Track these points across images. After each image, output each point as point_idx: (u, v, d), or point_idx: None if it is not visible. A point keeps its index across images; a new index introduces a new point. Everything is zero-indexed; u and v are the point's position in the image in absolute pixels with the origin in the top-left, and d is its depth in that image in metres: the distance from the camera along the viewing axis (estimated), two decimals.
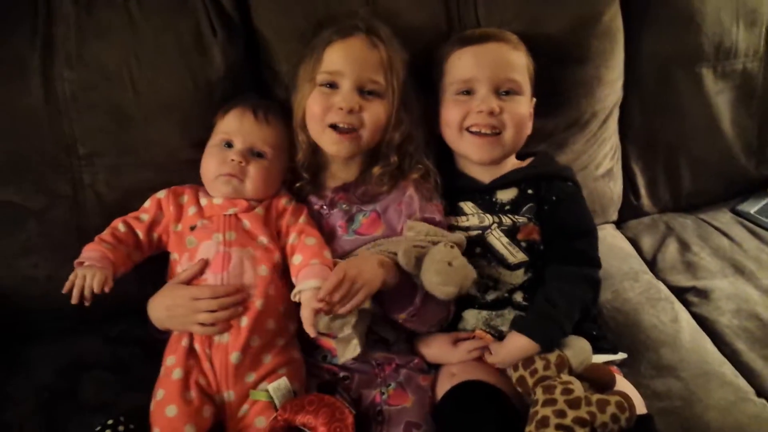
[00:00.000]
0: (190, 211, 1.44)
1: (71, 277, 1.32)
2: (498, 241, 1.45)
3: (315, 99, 1.44)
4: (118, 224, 1.43)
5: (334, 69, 1.42)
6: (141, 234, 1.43)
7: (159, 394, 1.29)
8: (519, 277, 1.42)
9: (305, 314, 1.29)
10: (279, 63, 1.59)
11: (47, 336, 1.54)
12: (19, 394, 1.40)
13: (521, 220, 1.45)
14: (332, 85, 1.43)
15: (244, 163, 1.42)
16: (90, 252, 1.37)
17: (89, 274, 1.30)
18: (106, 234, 1.41)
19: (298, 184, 1.52)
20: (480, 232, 1.47)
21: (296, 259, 1.39)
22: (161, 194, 1.47)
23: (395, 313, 1.38)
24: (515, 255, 1.43)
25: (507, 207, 1.48)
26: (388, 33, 1.45)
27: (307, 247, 1.40)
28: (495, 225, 1.46)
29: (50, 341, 1.53)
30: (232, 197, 1.44)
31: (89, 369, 1.46)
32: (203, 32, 1.53)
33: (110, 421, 1.24)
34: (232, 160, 1.42)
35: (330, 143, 1.45)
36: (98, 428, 1.23)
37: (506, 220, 1.46)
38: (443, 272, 1.29)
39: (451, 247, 1.33)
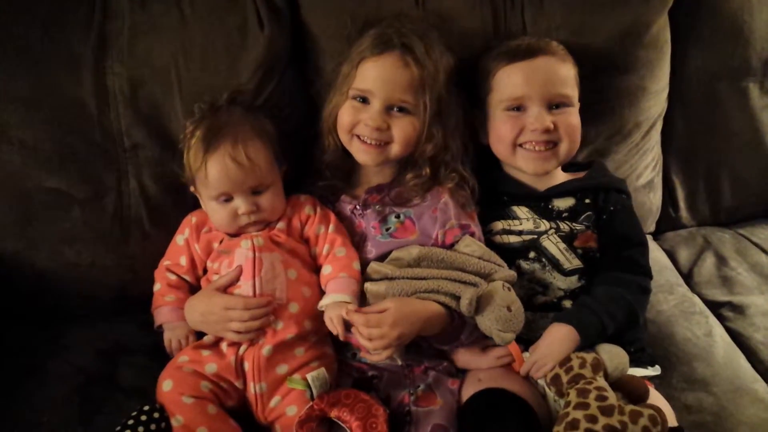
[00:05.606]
0: (216, 241, 1.45)
1: (166, 344, 1.44)
2: (555, 246, 1.46)
3: (346, 111, 1.46)
4: (166, 274, 1.48)
5: (365, 87, 1.43)
6: (188, 277, 1.48)
7: (166, 384, 1.32)
8: (572, 283, 1.44)
9: (329, 322, 1.33)
10: (324, 60, 1.60)
11: (87, 320, 1.56)
12: (58, 374, 1.42)
13: (579, 227, 1.47)
14: (364, 100, 1.44)
15: (255, 208, 1.41)
16: (161, 313, 1.47)
17: (173, 337, 1.43)
18: (162, 287, 1.48)
19: (321, 183, 1.53)
20: (535, 237, 1.48)
21: (326, 270, 1.41)
22: (186, 233, 1.48)
23: (438, 345, 1.41)
24: (571, 261, 1.45)
25: (565, 214, 1.49)
26: (422, 50, 1.42)
27: (336, 258, 1.42)
28: (552, 230, 1.47)
29: (90, 325, 1.55)
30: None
31: (128, 354, 1.48)
32: (251, 27, 1.54)
33: (146, 407, 1.26)
34: (244, 214, 1.40)
35: (358, 151, 1.47)
36: (134, 413, 1.24)
37: (564, 227, 1.47)
38: (503, 319, 1.30)
39: (508, 289, 1.34)
